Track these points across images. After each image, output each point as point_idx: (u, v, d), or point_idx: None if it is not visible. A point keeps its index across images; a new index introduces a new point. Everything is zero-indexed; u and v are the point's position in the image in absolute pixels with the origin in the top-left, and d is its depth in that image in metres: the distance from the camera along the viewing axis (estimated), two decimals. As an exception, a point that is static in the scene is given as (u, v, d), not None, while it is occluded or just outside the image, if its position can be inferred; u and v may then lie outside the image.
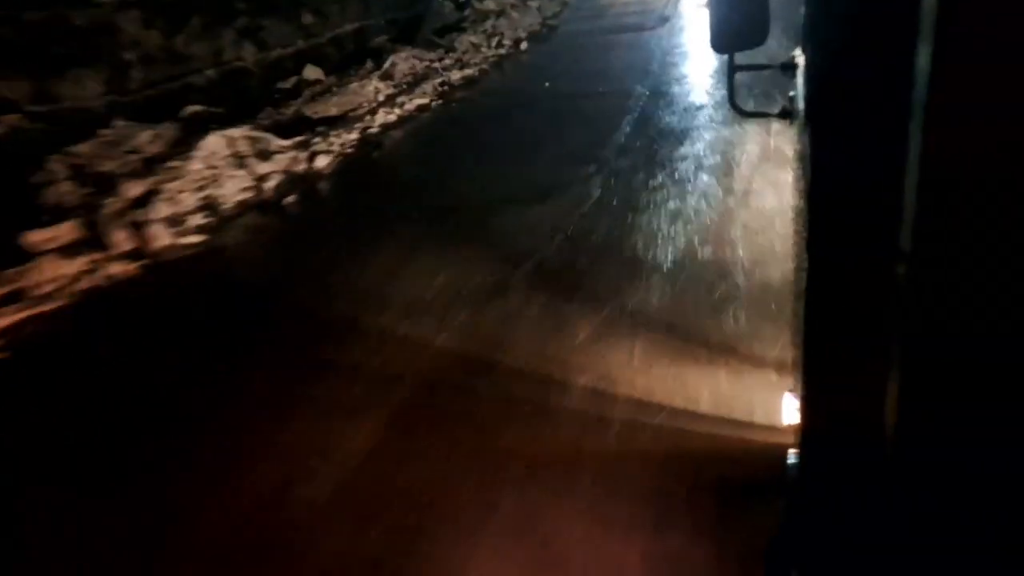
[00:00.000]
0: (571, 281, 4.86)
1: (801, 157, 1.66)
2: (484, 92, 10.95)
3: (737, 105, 2.31)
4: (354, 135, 8.99)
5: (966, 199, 0.97)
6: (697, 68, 10.49)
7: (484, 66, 12.22)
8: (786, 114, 2.15)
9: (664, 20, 14.58)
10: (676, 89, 9.45)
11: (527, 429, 3.44)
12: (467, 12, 15.64)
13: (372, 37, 12.97)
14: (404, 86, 10.87)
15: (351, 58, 12.00)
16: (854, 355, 1.29)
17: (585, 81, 10.58)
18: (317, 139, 8.71)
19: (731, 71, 2.13)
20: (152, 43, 8.97)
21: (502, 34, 14.09)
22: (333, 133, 8.97)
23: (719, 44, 1.95)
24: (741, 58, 2.07)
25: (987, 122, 0.94)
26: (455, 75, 11.59)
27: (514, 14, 16.01)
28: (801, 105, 1.64)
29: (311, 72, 11.02)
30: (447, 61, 12.20)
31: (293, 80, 10.90)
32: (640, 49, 12.26)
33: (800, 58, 1.85)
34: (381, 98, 10.34)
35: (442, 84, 11.11)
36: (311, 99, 10.32)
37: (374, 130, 9.25)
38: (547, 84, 10.77)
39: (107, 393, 4.28)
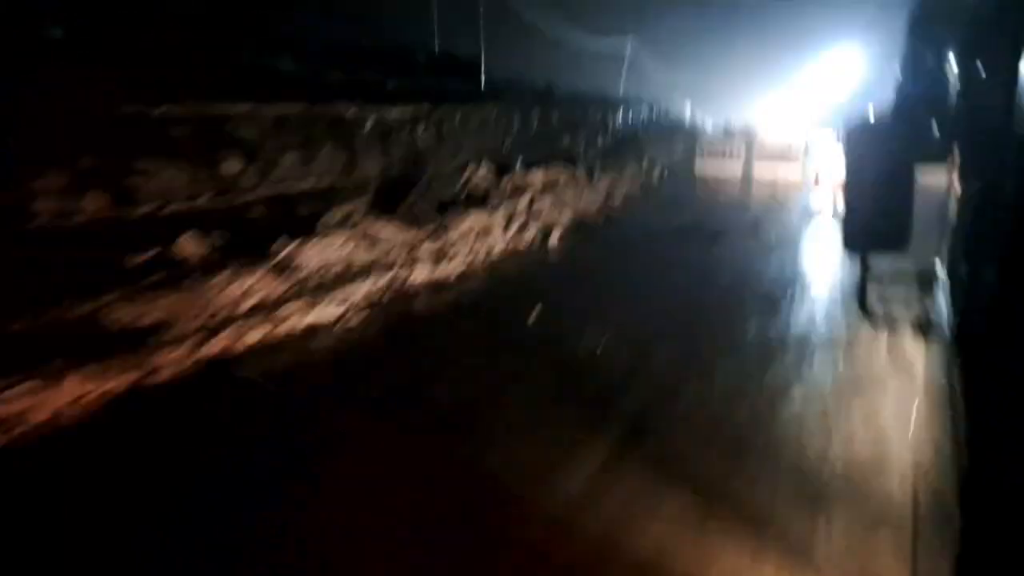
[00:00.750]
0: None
1: (948, 381, 1.53)
2: (453, 313, 6.35)
3: (868, 309, 2.35)
4: (112, 383, 4.47)
5: None
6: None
7: (474, 267, 7.76)
8: (922, 327, 2.29)
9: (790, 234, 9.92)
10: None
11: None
12: (505, 180, 11.57)
13: (337, 200, 8.87)
14: (303, 288, 6.42)
15: (274, 228, 7.79)
16: None
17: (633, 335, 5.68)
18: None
19: (864, 273, 2.16)
20: None
21: (531, 218, 9.73)
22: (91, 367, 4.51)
23: (853, 243, 1.86)
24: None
25: None
26: (417, 276, 7.13)
27: (568, 191, 11.81)
28: (945, 322, 1.63)
29: (185, 247, 6.83)
30: (419, 252, 7.79)
31: (152, 253, 6.72)
32: (735, 275, 7.54)
33: (942, 271, 1.92)
34: (244, 307, 5.91)
35: (382, 292, 6.65)
36: (144, 294, 6.01)
37: (160, 375, 4.73)
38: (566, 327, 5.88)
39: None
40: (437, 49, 18.06)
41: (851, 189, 1.86)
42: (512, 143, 13.24)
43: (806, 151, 14.54)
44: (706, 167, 16.11)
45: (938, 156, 2.03)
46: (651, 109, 30.02)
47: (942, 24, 1.97)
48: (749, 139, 15.84)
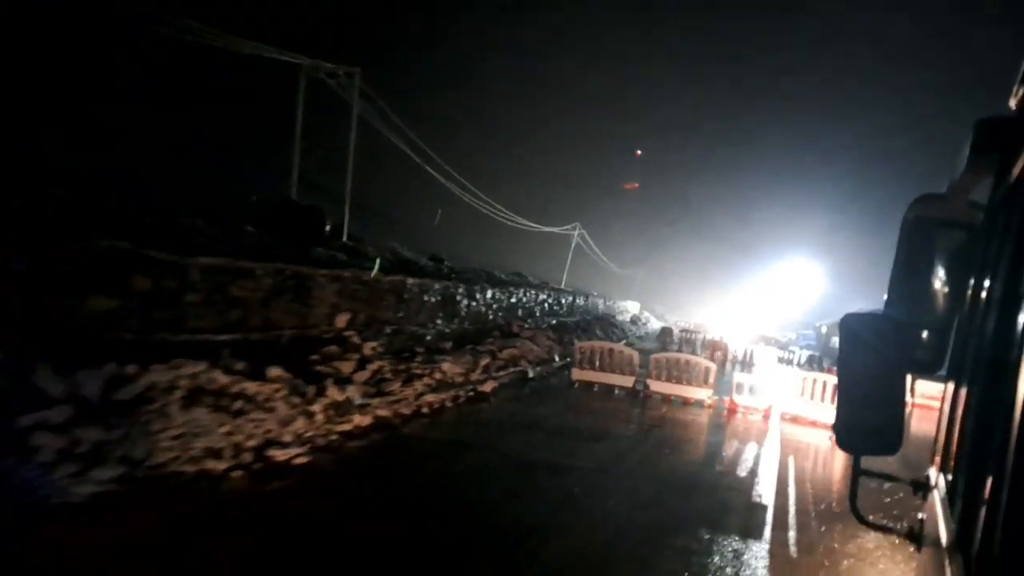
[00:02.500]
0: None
1: None
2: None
3: (859, 512, 2.14)
4: None
5: None
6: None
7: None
8: (913, 537, 2.05)
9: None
10: None
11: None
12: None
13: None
14: None
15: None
16: None
17: None
18: None
19: (855, 474, 2.04)
20: None
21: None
22: None
23: (846, 443, 1.90)
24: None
25: None
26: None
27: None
28: (942, 533, 1.57)
29: None
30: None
31: None
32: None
33: (938, 479, 1.89)
34: None
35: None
36: None
37: None
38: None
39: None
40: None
41: (845, 388, 1.87)
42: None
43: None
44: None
45: (930, 366, 2.04)
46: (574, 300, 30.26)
47: (936, 231, 2.02)
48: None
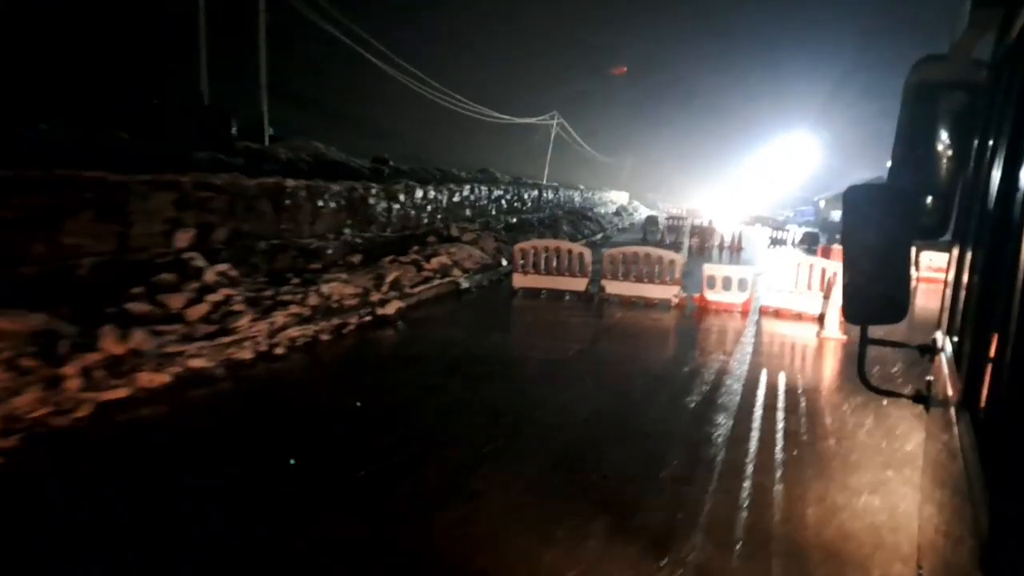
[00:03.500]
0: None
1: (935, 449, 1.76)
2: None
3: (867, 379, 2.16)
4: None
5: None
6: None
7: None
8: (921, 399, 2.10)
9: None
10: None
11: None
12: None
13: None
14: None
15: None
16: None
17: None
18: None
19: (863, 343, 2.07)
20: None
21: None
22: None
23: (853, 315, 1.91)
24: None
25: None
26: None
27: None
28: (949, 393, 1.65)
29: None
30: None
31: None
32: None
33: (944, 341, 1.97)
34: None
35: None
36: None
37: None
38: None
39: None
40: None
41: (851, 260, 1.84)
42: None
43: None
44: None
45: (935, 231, 2.04)
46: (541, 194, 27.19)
47: (938, 93, 1.99)
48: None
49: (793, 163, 77.55)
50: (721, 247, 28.15)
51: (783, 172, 77.53)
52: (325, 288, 9.22)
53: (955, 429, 1.41)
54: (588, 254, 13.12)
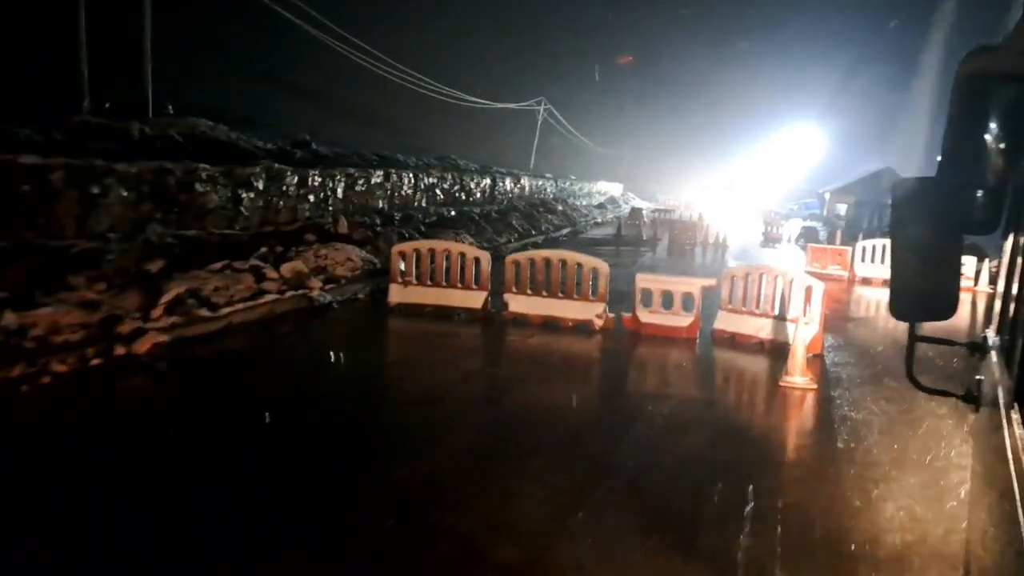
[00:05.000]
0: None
1: (984, 450, 1.73)
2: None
3: (915, 378, 2.08)
4: None
5: None
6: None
7: None
8: (971, 398, 2.06)
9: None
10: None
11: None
12: None
13: None
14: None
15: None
16: None
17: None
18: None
19: (912, 341, 2.03)
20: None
21: None
22: None
23: (900, 312, 1.89)
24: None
25: None
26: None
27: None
28: (1000, 393, 1.65)
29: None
30: None
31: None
32: None
33: (995, 339, 1.97)
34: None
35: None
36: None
37: None
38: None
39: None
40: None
41: (898, 254, 1.84)
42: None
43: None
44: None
45: (985, 226, 1.98)
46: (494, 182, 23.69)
47: (991, 85, 1.90)
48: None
49: (799, 154, 73.87)
50: (704, 244, 24.88)
51: (788, 163, 73.88)
52: (14, 318, 6.08)
53: (1005, 430, 1.41)
54: (487, 260, 9.93)
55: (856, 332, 10.60)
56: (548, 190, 33.20)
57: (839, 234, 25.50)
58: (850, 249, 17.73)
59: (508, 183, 26.38)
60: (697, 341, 9.06)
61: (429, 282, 9.95)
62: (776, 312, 8.89)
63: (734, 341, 9.04)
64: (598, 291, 9.48)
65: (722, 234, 25.35)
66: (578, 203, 36.41)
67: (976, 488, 1.80)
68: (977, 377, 1.99)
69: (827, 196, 55.07)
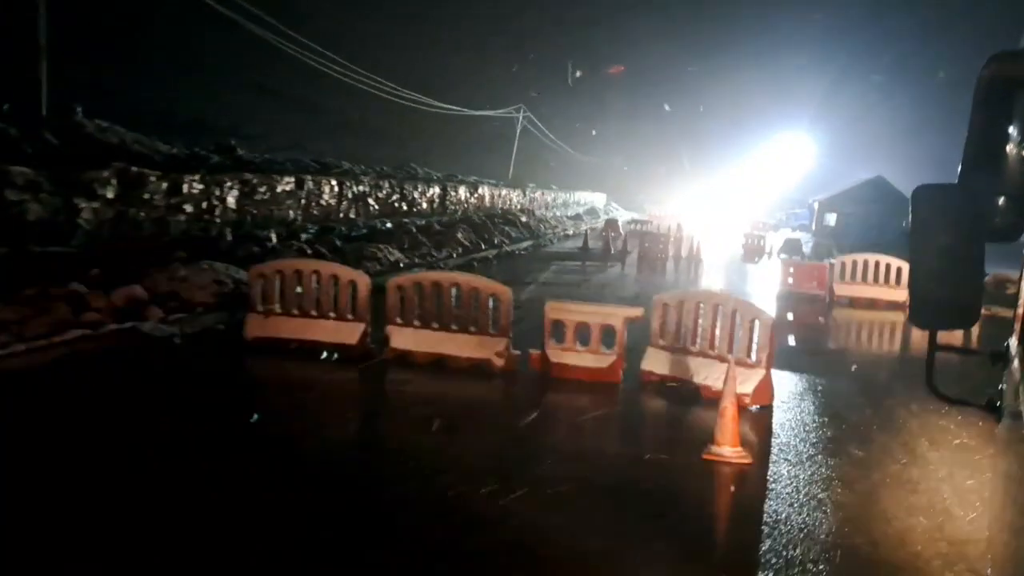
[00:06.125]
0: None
1: (1006, 462, 1.68)
2: None
3: (936, 388, 2.02)
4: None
5: None
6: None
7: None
8: (993, 408, 2.01)
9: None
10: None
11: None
12: None
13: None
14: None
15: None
16: None
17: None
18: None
19: (932, 350, 1.96)
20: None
21: None
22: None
23: (921, 320, 1.85)
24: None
25: None
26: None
27: None
28: (1022, 404, 1.60)
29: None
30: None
31: None
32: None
33: (1017, 348, 1.86)
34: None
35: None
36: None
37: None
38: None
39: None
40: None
41: (919, 263, 1.78)
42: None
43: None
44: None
45: (1008, 233, 1.95)
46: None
47: (1013, 90, 1.90)
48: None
49: (787, 163, 72.33)
50: (677, 258, 23.05)
51: (779, 173, 72.33)
52: None
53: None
54: (364, 284, 8.04)
55: (823, 372, 8.63)
56: (514, 200, 31.30)
57: (834, 251, 23.75)
58: (828, 265, 15.93)
59: (463, 192, 24.46)
60: (620, 386, 7.22)
61: (296, 311, 8.08)
62: (715, 351, 7.06)
63: (664, 387, 7.19)
64: (499, 323, 7.62)
65: (696, 247, 23.56)
66: (550, 214, 34.52)
67: (997, 500, 1.76)
68: (1000, 387, 1.93)
69: (815, 206, 53.43)
